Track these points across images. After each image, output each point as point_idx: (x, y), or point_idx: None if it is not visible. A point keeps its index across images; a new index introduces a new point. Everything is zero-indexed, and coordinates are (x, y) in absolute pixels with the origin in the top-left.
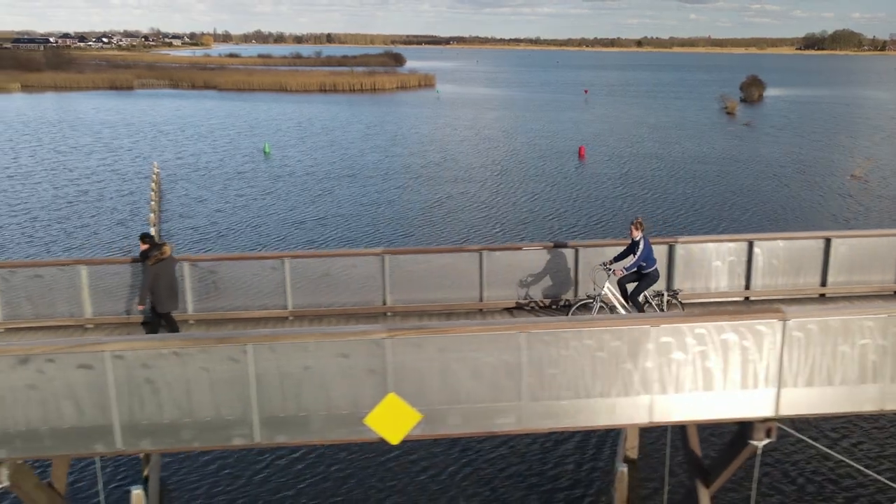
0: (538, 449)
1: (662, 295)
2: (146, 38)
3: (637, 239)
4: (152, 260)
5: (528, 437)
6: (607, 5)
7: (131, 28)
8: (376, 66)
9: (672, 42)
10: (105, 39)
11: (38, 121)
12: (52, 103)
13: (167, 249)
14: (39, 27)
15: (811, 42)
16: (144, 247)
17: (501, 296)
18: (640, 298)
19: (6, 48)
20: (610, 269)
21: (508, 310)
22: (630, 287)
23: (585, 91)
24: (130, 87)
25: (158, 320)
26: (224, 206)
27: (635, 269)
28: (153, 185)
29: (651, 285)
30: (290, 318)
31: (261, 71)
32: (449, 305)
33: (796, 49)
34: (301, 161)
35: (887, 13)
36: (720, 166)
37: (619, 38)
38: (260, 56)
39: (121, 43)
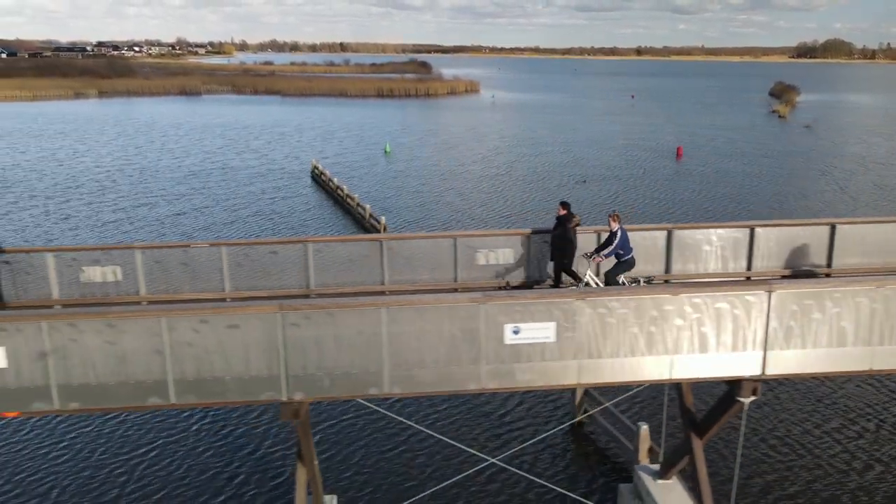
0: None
1: (639, 280)
2: (172, 46)
3: (615, 230)
4: (573, 224)
5: None
6: (601, 16)
7: (151, 38)
8: (405, 73)
9: (668, 51)
10: (136, 48)
11: (157, 125)
12: (147, 108)
13: (578, 219)
14: (61, 37)
15: (803, 51)
16: (563, 212)
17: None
18: (619, 281)
19: (46, 56)
20: (590, 258)
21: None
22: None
23: (632, 96)
24: (199, 93)
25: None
26: (417, 200)
27: (613, 256)
28: (333, 180)
29: (627, 270)
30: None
31: (318, 77)
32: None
33: (789, 57)
34: (440, 160)
35: (869, 23)
36: (842, 163)
37: (616, 48)
38: (293, 64)
39: (150, 52)
